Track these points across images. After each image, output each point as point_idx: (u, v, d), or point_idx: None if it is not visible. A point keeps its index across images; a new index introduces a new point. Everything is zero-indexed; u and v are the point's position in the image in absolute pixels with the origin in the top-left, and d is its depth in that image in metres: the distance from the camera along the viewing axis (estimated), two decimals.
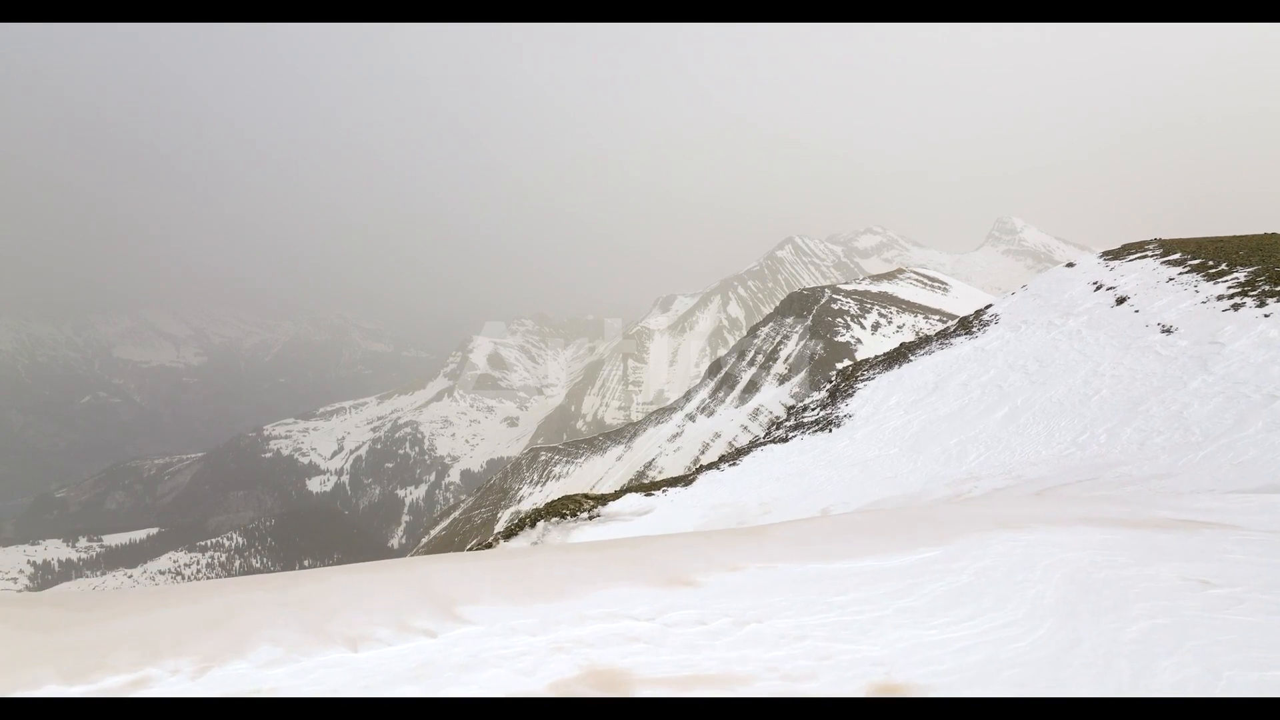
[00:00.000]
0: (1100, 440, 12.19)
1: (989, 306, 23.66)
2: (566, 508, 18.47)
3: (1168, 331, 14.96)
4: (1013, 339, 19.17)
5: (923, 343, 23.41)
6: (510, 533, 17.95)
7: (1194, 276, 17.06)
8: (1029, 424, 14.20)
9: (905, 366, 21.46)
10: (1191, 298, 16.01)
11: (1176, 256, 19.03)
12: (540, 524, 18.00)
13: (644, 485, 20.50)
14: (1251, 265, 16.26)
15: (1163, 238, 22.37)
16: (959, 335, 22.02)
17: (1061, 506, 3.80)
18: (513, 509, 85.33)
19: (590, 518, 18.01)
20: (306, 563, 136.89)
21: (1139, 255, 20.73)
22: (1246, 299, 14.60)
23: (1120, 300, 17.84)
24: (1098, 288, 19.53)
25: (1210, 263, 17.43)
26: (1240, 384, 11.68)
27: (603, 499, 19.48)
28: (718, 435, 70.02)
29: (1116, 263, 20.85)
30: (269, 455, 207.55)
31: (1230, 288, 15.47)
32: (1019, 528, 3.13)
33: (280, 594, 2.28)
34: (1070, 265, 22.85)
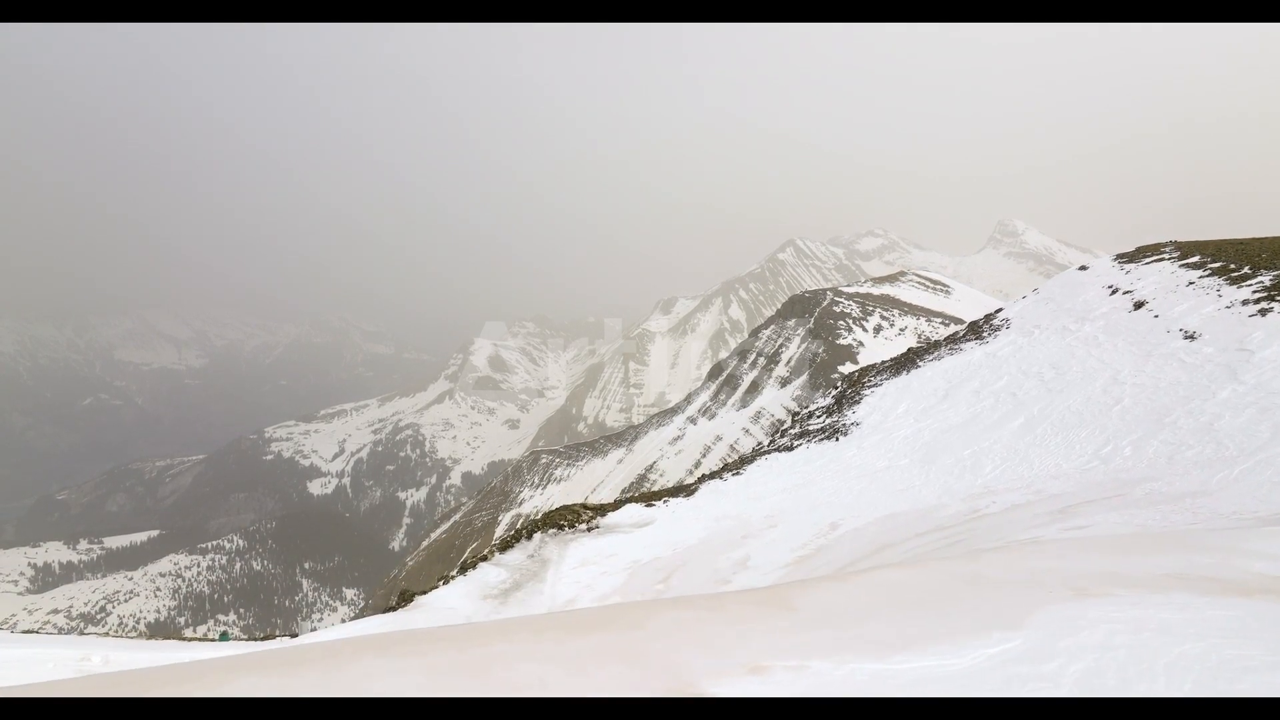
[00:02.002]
0: (1125, 453, 11.56)
1: (999, 311, 23.03)
2: (564, 519, 17.87)
3: (1191, 338, 14.33)
4: (1025, 345, 18.55)
5: (931, 348, 22.79)
6: (506, 545, 17.35)
7: (1215, 280, 16.42)
8: (1047, 434, 13.57)
9: (913, 373, 20.84)
10: (1214, 302, 15.37)
11: (1195, 259, 18.39)
12: (537, 536, 17.41)
13: (644, 495, 19.91)
14: (1276, 269, 15.62)
15: (1178, 239, 21.75)
16: (969, 340, 21.40)
17: (1137, 557, 3.22)
18: (513, 512, 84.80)
19: (589, 529, 17.42)
20: (307, 565, 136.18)
21: (1155, 258, 20.09)
22: (1274, 303, 13.96)
23: (1138, 305, 17.21)
24: (1113, 291, 18.90)
25: (1232, 265, 16.79)
26: (1274, 394, 11.05)
27: (601, 509, 18.87)
28: (719, 438, 69.45)
29: (1132, 265, 20.22)
30: (270, 457, 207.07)
31: (1255, 291, 14.84)
32: (1104, 595, 2.54)
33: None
34: (1083, 268, 22.21)
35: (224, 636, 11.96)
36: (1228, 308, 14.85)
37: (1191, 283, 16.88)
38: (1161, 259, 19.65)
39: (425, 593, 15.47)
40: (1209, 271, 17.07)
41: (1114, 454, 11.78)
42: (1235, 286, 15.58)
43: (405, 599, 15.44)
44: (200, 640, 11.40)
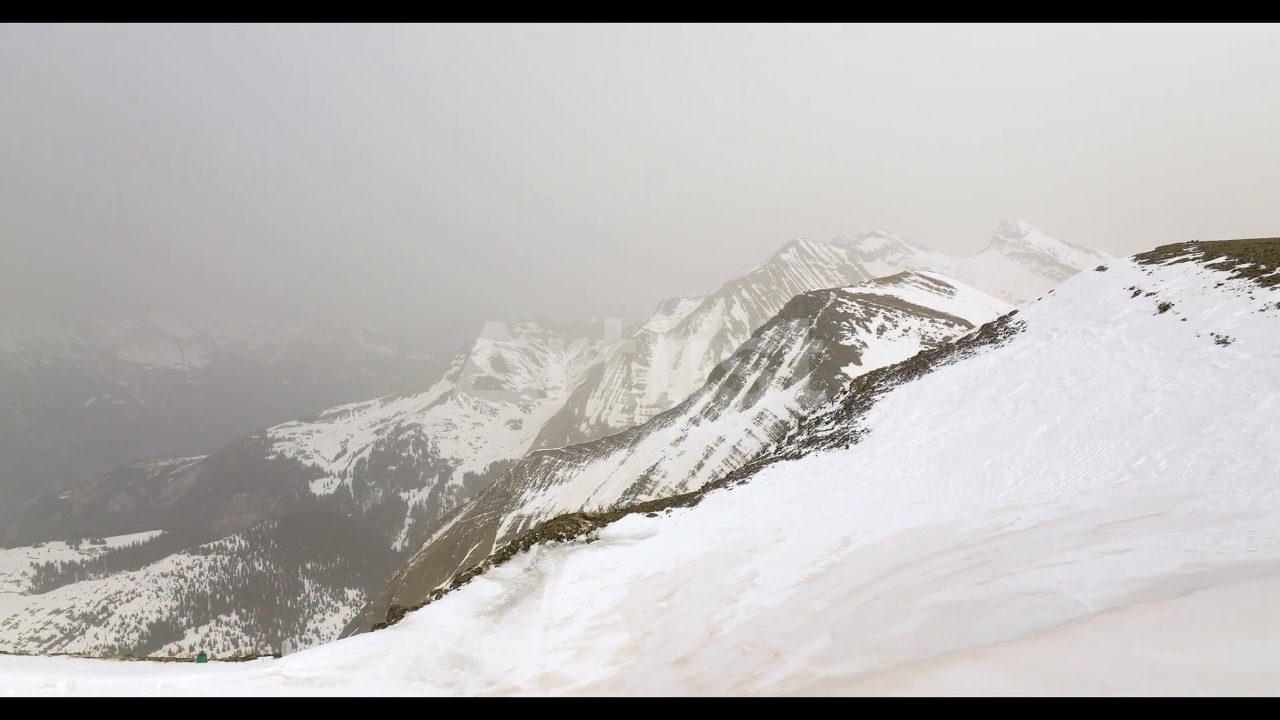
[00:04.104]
0: (1160, 467, 10.82)
1: (1014, 313, 22.27)
2: (563, 529, 17.19)
3: (1224, 343, 13.57)
4: (1044, 349, 17.80)
5: (944, 351, 22.03)
6: (502, 557, 16.68)
7: (1246, 281, 15.66)
8: (1072, 445, 12.83)
9: (926, 377, 20.09)
10: (1246, 305, 14.61)
11: (1222, 259, 17.62)
12: (534, 547, 16.72)
13: (646, 504, 19.21)
14: None
15: (1198, 239, 20.97)
16: (983, 344, 20.64)
17: (1274, 635, 2.55)
18: (515, 513, 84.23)
19: (588, 541, 16.72)
20: (309, 565, 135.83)
21: (1177, 258, 19.32)
22: None
23: (1163, 307, 16.45)
24: (1135, 293, 18.14)
25: (1262, 266, 16.03)
26: None
27: (601, 519, 18.19)
28: (721, 439, 68.77)
29: (1154, 266, 19.46)
30: (272, 458, 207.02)
31: None
32: None
33: None
34: (1101, 269, 21.45)
35: (202, 658, 11.29)
36: (1261, 310, 14.10)
37: (1220, 284, 16.11)
38: (1185, 259, 18.88)
39: (416, 608, 14.81)
40: (1238, 273, 16.30)
41: (1148, 467, 11.04)
42: (1268, 289, 14.82)
43: (395, 615, 14.78)
44: (176, 661, 10.75)
